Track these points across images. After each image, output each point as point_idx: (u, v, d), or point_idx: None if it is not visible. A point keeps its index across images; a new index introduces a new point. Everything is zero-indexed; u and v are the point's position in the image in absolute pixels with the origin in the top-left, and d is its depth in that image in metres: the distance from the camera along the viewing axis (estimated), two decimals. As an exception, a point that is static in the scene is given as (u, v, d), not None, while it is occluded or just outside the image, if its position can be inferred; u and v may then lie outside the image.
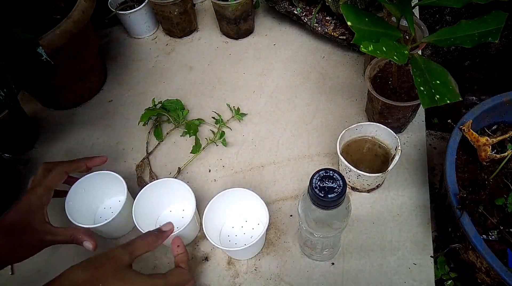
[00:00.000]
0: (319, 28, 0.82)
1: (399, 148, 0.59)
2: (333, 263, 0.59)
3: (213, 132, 0.75)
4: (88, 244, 0.54)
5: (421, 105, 0.59)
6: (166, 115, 0.77)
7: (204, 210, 0.58)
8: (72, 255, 0.64)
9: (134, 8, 0.90)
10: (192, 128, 0.74)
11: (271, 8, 0.92)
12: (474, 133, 0.60)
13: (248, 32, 0.92)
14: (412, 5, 0.54)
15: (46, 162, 0.59)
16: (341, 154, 0.60)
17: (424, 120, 0.72)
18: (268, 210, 0.57)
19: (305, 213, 0.47)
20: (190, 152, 0.72)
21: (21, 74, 0.71)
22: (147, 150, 0.75)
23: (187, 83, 0.85)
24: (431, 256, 0.58)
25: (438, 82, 0.49)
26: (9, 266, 0.64)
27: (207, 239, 0.55)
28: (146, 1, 0.90)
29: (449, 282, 0.74)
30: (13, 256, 0.51)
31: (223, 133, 0.75)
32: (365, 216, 0.62)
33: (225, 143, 0.74)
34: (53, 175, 0.56)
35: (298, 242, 0.61)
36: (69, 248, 0.64)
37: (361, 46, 0.47)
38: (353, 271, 0.58)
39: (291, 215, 0.64)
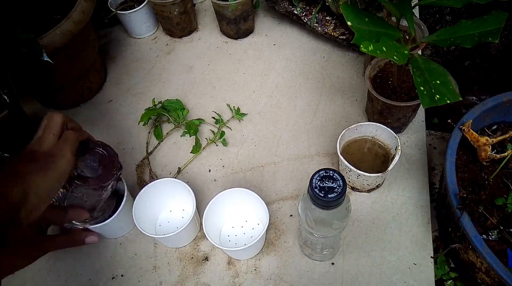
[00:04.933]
0: (319, 28, 0.82)
1: (399, 148, 0.59)
2: (333, 263, 0.59)
3: (213, 132, 0.75)
4: (91, 239, 0.54)
5: (421, 105, 0.59)
6: (166, 115, 0.77)
7: (204, 210, 0.58)
8: (72, 259, 0.64)
9: (134, 8, 0.90)
10: (192, 128, 0.74)
11: (271, 8, 0.92)
12: (474, 133, 0.60)
13: (248, 32, 0.92)
14: (412, 5, 0.54)
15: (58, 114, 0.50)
16: (341, 154, 0.60)
17: (424, 120, 0.72)
18: (268, 210, 0.57)
19: (305, 213, 0.47)
20: (190, 152, 0.72)
21: (21, 74, 0.71)
22: (147, 150, 0.75)
23: (187, 83, 0.85)
24: (431, 256, 0.58)
25: (438, 82, 0.49)
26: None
27: (207, 239, 0.55)
28: (146, 1, 0.90)
29: (449, 282, 0.74)
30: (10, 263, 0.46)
31: (223, 133, 0.75)
32: (365, 216, 0.62)
33: (225, 143, 0.74)
34: (74, 143, 0.49)
35: (298, 242, 0.61)
36: (67, 251, 0.64)
37: (361, 46, 0.47)
38: (353, 271, 0.58)
39: (291, 215, 0.64)
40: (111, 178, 0.53)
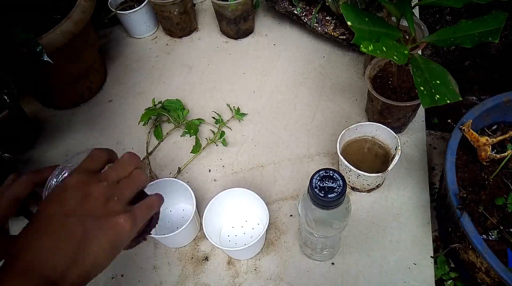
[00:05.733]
0: (319, 28, 0.82)
1: (399, 148, 0.59)
2: (333, 263, 0.59)
3: (213, 132, 0.75)
4: None
5: (421, 105, 0.59)
6: (166, 115, 0.77)
7: (204, 210, 0.58)
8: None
9: (134, 8, 0.90)
10: (192, 128, 0.74)
11: (271, 8, 0.92)
12: (474, 133, 0.60)
13: (248, 32, 0.92)
14: (412, 5, 0.54)
15: (15, 172, 0.43)
16: (341, 154, 0.60)
17: (424, 120, 0.72)
18: (268, 210, 0.57)
19: (305, 213, 0.47)
20: (190, 152, 0.72)
21: (21, 74, 0.71)
22: (147, 150, 0.75)
23: (187, 83, 0.85)
24: (431, 256, 0.58)
25: (438, 82, 0.49)
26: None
27: (207, 239, 0.55)
28: (146, 1, 0.90)
29: (449, 282, 0.74)
30: None
31: (223, 133, 0.75)
32: (365, 216, 0.62)
33: (225, 143, 0.74)
34: (16, 184, 0.41)
35: (298, 242, 0.61)
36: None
37: (361, 46, 0.47)
38: (353, 271, 0.58)
39: (291, 215, 0.64)
40: (147, 234, 0.45)
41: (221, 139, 0.74)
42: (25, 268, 0.30)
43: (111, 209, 0.35)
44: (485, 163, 0.62)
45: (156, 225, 0.47)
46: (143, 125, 0.77)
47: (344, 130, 0.62)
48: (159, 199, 0.42)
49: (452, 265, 0.74)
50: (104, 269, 0.34)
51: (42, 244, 0.32)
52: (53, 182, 0.40)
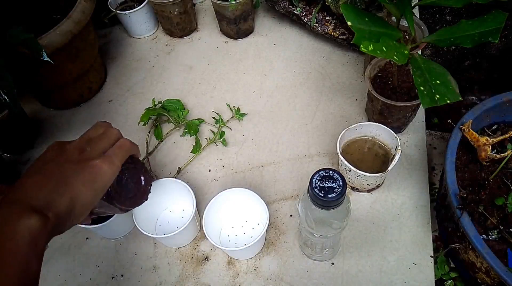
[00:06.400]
0: (319, 28, 0.82)
1: (399, 148, 0.59)
2: (333, 263, 0.59)
3: (213, 132, 0.75)
4: None
5: (421, 105, 0.59)
6: (166, 115, 0.77)
7: (204, 210, 0.58)
8: (72, 259, 0.64)
9: (134, 8, 0.90)
10: (192, 128, 0.74)
11: (271, 8, 0.92)
12: (474, 133, 0.60)
13: (248, 32, 0.92)
14: (412, 5, 0.54)
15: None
16: (341, 154, 0.60)
17: (424, 120, 0.72)
18: (268, 210, 0.57)
19: (305, 213, 0.47)
20: (190, 152, 0.73)
21: (21, 74, 0.71)
22: (147, 150, 0.75)
23: (187, 83, 0.85)
24: (431, 256, 0.58)
25: (438, 82, 0.49)
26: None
27: (207, 239, 0.55)
28: (146, 1, 0.90)
29: (449, 282, 0.74)
30: None
31: (223, 133, 0.75)
32: (365, 216, 0.62)
33: (225, 143, 0.74)
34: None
35: (298, 242, 0.61)
36: (67, 251, 0.65)
37: (361, 46, 0.47)
38: (353, 271, 0.58)
39: (291, 215, 0.64)
40: (137, 206, 0.49)
41: (221, 139, 0.74)
42: (12, 200, 0.35)
43: (86, 156, 0.40)
44: (485, 163, 0.62)
45: (151, 187, 0.50)
46: (143, 125, 0.77)
47: (344, 130, 0.62)
48: (130, 141, 0.46)
49: (452, 265, 0.74)
50: (90, 206, 0.39)
51: (26, 182, 0.36)
52: None
